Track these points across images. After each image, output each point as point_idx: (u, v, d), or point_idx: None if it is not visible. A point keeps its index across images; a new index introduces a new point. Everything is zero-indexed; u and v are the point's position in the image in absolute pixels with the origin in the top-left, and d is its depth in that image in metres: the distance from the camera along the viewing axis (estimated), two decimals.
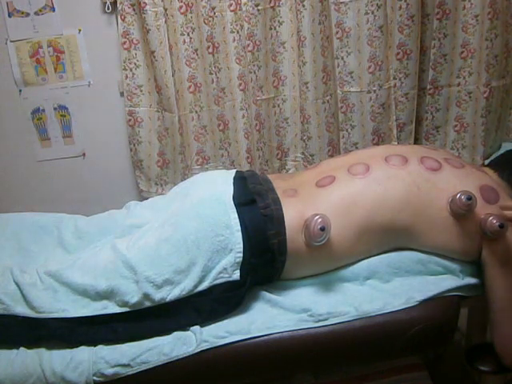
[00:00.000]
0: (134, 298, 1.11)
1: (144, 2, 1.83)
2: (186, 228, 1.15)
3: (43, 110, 2.08)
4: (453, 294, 1.18)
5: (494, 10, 1.84)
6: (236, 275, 1.13)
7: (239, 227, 1.15)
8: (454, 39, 1.95)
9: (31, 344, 1.13)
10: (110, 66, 2.04)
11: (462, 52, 1.95)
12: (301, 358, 1.17)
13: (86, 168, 2.19)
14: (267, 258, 1.18)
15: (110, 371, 1.09)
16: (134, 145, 2.07)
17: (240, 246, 1.14)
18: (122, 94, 2.06)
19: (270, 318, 1.16)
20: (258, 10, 1.93)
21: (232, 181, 1.29)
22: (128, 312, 1.12)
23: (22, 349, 1.12)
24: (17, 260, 1.30)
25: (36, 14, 1.94)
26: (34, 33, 1.96)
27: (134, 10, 1.90)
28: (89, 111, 2.10)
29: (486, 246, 1.15)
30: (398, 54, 1.97)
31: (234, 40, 1.95)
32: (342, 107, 1.99)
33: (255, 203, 1.21)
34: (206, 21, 1.91)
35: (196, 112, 2.03)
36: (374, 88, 1.96)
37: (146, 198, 1.53)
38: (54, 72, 2.03)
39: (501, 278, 1.14)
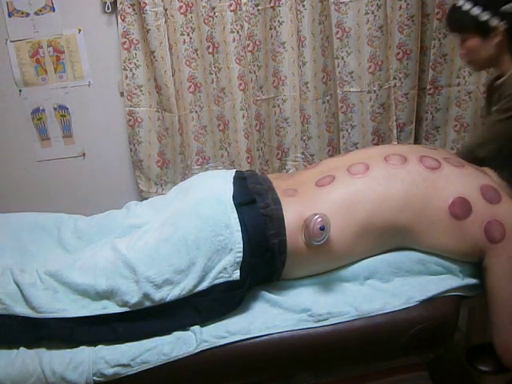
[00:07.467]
0: (134, 297, 1.11)
1: (144, 2, 1.83)
2: (186, 228, 1.15)
3: (43, 110, 2.09)
4: (453, 294, 1.18)
5: None
6: (236, 275, 1.13)
7: (239, 227, 1.15)
8: (454, 39, 1.95)
9: (31, 344, 1.13)
10: (110, 65, 2.04)
11: None
12: (301, 357, 1.16)
13: (86, 168, 2.19)
14: (267, 258, 1.17)
15: (110, 371, 1.09)
16: (134, 145, 2.08)
17: (240, 246, 1.14)
18: (122, 94, 2.06)
19: (269, 317, 1.16)
20: (258, 9, 1.93)
21: (232, 181, 1.29)
22: (128, 312, 1.12)
23: (22, 349, 1.12)
24: (17, 260, 1.30)
25: (36, 13, 1.94)
26: (33, 33, 1.96)
27: (133, 10, 1.90)
28: (89, 111, 2.10)
29: (490, 248, 1.15)
30: (398, 53, 1.97)
31: (234, 40, 1.96)
32: (342, 107, 1.99)
33: (255, 203, 1.21)
34: (205, 21, 1.91)
35: (196, 112, 2.03)
36: (374, 88, 1.96)
37: (146, 198, 1.53)
38: (54, 72, 2.03)
39: (503, 280, 1.13)
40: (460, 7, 1.49)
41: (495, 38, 1.47)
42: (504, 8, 1.44)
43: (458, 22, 1.54)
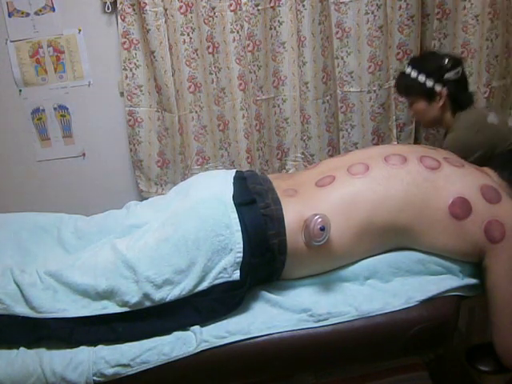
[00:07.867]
0: (134, 297, 1.11)
1: (144, 2, 1.83)
2: (186, 228, 1.15)
3: (43, 110, 2.09)
4: (453, 294, 1.18)
5: (495, 10, 1.85)
6: (236, 275, 1.13)
7: (239, 227, 1.14)
8: (454, 39, 1.95)
9: (31, 344, 1.13)
10: (110, 65, 2.04)
11: (463, 52, 1.95)
12: (301, 357, 1.16)
13: (86, 168, 2.19)
14: (267, 258, 1.17)
15: (110, 371, 1.09)
16: (134, 145, 2.08)
17: (240, 246, 1.14)
18: (122, 94, 2.06)
19: (269, 317, 1.16)
20: (258, 9, 1.93)
21: (232, 181, 1.29)
22: (128, 312, 1.12)
23: (22, 349, 1.12)
24: (17, 260, 1.30)
25: (36, 13, 1.94)
26: (33, 33, 1.96)
27: (133, 10, 1.90)
28: (89, 111, 2.10)
29: (489, 248, 1.15)
30: (397, 53, 1.97)
31: (234, 40, 1.96)
32: (341, 107, 1.99)
33: (255, 203, 1.20)
34: (205, 21, 1.91)
35: (196, 112, 2.03)
36: (374, 88, 1.96)
37: (146, 198, 1.53)
38: (54, 72, 2.03)
39: (503, 280, 1.13)
40: (408, 75, 1.64)
41: (439, 102, 1.62)
42: (446, 76, 1.61)
43: (406, 88, 1.70)
